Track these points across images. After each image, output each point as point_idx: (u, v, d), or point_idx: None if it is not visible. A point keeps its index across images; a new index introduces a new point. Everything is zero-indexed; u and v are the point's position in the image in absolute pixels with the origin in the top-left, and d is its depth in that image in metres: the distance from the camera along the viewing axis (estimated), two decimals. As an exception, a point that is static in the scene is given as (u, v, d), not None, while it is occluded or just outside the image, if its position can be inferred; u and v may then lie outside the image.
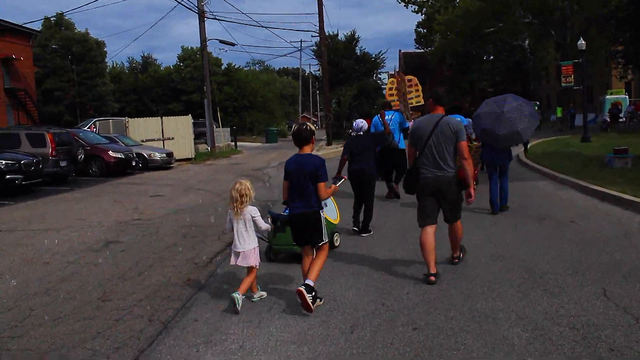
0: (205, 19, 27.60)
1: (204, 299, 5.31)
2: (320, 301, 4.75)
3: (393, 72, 16.16)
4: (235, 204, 4.92)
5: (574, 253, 5.89)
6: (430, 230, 5.32)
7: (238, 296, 4.76)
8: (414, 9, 59.51)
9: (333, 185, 5.18)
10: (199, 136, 32.34)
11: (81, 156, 18.13)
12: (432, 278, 5.10)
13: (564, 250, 6.05)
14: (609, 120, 31.92)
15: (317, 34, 30.31)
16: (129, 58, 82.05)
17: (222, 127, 38.49)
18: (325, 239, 4.84)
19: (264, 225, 5.08)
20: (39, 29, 46.42)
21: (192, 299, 5.34)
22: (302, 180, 4.71)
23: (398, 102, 14.27)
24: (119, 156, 19.61)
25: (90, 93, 46.05)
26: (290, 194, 4.85)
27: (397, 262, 6.07)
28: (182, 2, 29.82)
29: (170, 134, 25.96)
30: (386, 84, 16.44)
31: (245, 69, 69.82)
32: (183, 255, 7.22)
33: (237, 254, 4.98)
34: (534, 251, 6.08)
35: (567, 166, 13.07)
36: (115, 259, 7.11)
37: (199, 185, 15.70)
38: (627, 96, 36.07)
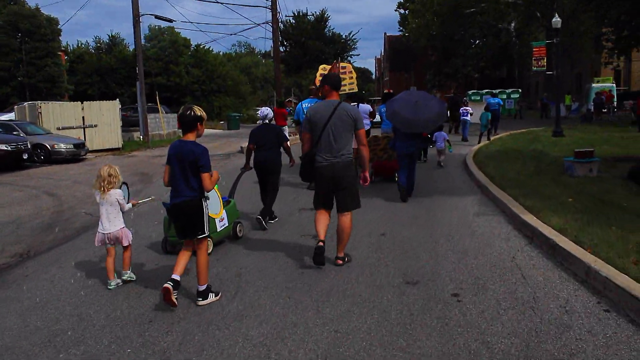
0: (138, -10, 24.13)
1: None
2: (215, 296, 4.59)
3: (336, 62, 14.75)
4: (102, 183, 5.00)
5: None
6: (324, 212, 5.35)
7: (129, 273, 5.16)
8: (395, -12, 55.96)
9: (215, 172, 4.66)
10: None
11: (-61, 149, 14.94)
12: (321, 244, 5.18)
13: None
14: (592, 110, 28.85)
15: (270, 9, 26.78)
16: (95, 37, 77.70)
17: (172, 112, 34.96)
18: (206, 232, 4.58)
19: (127, 207, 5.14)
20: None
21: None
22: (183, 168, 4.43)
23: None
24: (4, 148, 16.47)
25: (39, 74, 42.42)
26: (172, 181, 4.56)
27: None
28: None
29: (93, 121, 22.77)
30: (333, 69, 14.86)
31: (230, 52, 66.26)
32: None
33: (104, 236, 5.06)
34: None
35: (514, 173, 9.99)
36: None
37: (64, 188, 12.58)
38: (614, 85, 32.85)
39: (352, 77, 14.10)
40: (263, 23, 27.46)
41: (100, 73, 54.79)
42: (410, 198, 8.89)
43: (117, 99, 24.82)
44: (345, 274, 5.04)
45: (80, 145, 19.75)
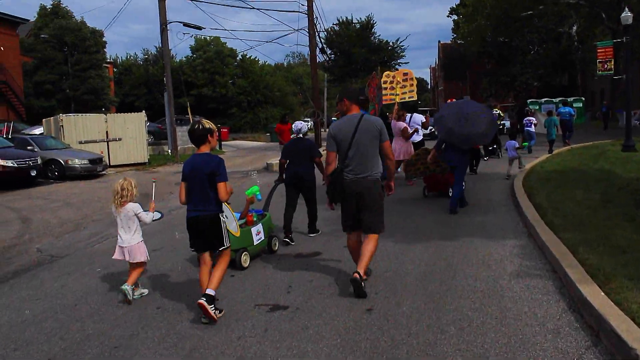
0: (167, -3, 22.96)
1: None
2: (220, 313, 4.45)
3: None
4: (115, 197, 4.97)
5: None
6: (354, 236, 5.14)
7: (127, 288, 4.87)
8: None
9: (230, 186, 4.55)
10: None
11: None
12: (356, 275, 4.71)
13: None
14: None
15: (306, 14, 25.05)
16: (143, 49, 78.83)
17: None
18: (226, 244, 4.54)
19: (148, 219, 5.06)
20: (34, 18, 43.49)
21: None
22: (200, 181, 4.42)
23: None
24: (10, 165, 15.42)
25: (83, 86, 42.34)
26: (188, 196, 4.52)
27: None
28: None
29: (117, 134, 21.75)
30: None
31: (282, 62, 65.33)
32: None
33: (122, 249, 5.04)
34: None
35: (573, 204, 7.68)
36: None
37: (48, 211, 11.18)
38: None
39: (412, 85, 13.85)
40: (300, 29, 25.66)
41: (148, 85, 54.90)
42: (432, 237, 7.09)
43: (144, 111, 23.67)
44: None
45: (96, 161, 18.58)
